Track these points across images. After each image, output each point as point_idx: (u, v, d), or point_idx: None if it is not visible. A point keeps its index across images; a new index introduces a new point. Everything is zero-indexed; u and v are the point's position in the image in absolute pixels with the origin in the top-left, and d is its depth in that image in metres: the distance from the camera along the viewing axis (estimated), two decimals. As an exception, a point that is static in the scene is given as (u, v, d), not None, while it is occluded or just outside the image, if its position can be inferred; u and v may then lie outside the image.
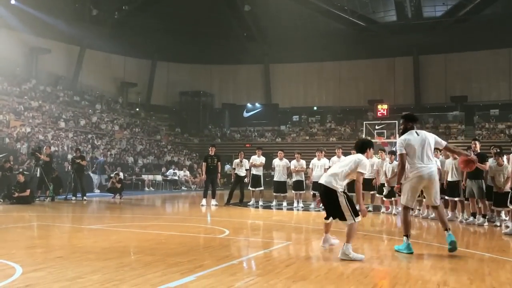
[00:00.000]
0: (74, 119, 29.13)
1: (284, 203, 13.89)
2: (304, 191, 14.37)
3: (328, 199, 6.32)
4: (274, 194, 14.29)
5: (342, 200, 6.17)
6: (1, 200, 14.11)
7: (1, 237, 7.78)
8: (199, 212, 13.10)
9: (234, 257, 6.24)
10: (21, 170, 16.00)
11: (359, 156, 6.48)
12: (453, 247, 6.35)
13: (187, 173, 27.90)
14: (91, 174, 21.58)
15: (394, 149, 18.66)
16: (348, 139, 32.39)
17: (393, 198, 12.46)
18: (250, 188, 14.61)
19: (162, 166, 28.33)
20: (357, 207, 6.32)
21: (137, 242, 7.36)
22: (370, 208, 13.00)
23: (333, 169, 6.65)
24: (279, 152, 14.52)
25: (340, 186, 6.26)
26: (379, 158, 13.27)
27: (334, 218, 6.44)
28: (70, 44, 34.19)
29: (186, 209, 15.18)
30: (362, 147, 6.62)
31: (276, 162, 14.19)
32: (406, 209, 6.76)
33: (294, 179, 14.25)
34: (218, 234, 8.28)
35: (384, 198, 12.57)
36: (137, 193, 21.89)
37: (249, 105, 39.84)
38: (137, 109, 38.33)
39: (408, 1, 32.27)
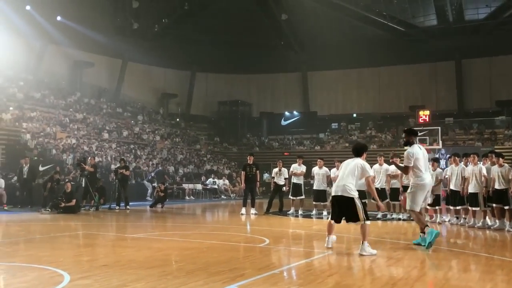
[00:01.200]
0: (117, 130, 29.93)
1: (325, 212, 13.74)
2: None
3: (346, 206, 7.11)
4: (314, 203, 14.16)
5: (359, 205, 7.06)
6: (49, 210, 14.62)
7: (49, 245, 8.05)
8: (238, 221, 13.14)
9: (275, 267, 6.21)
10: (67, 180, 16.54)
11: (359, 161, 7.37)
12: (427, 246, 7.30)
13: (226, 182, 28.10)
14: (146, 183, 22.18)
15: (437, 156, 18.20)
16: (389, 146, 31.78)
17: (437, 207, 12.14)
18: (291, 197, 14.54)
19: (202, 175, 28.64)
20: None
21: (179, 250, 7.45)
22: (395, 216, 12.79)
23: (343, 179, 7.25)
24: (318, 160, 14.40)
25: (355, 192, 7.13)
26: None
27: (348, 221, 7.32)
28: (113, 57, 35.25)
29: (226, 218, 15.27)
30: (360, 151, 7.56)
31: (315, 170, 14.07)
32: (414, 211, 7.83)
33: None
34: (258, 243, 8.27)
35: (428, 207, 12.24)
36: (178, 202, 22.21)
37: (287, 113, 39.79)
38: (177, 119, 38.99)
39: (449, 4, 31.50)
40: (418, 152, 7.70)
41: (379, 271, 5.82)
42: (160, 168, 25.57)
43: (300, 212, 14.28)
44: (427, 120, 31.90)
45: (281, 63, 37.91)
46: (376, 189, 12.61)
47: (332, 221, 7.50)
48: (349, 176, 7.20)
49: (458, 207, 11.62)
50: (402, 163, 8.42)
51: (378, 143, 34.41)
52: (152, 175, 23.14)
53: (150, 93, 38.65)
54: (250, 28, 35.04)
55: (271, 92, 41.04)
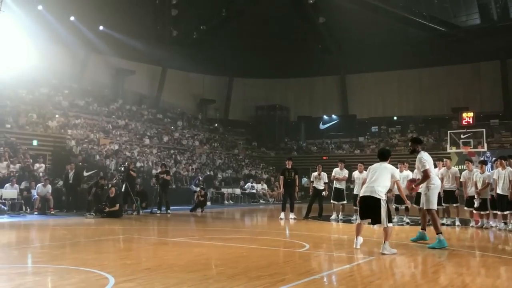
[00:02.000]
0: (157, 136, 30.53)
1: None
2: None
3: (373, 207, 7.54)
4: (355, 208, 13.94)
5: (384, 208, 7.54)
6: (93, 214, 15.05)
7: (94, 249, 8.29)
8: (278, 226, 13.12)
9: (315, 272, 6.17)
10: (110, 185, 16.99)
11: (388, 165, 7.93)
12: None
13: (265, 186, 28.12)
14: (194, 187, 22.61)
15: (483, 158, 17.59)
16: (431, 150, 30.94)
17: (484, 212, 11.74)
18: (332, 201, 14.41)
19: (240, 179, 28.79)
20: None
21: (219, 255, 7.50)
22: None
23: (373, 181, 7.71)
24: (359, 164, 14.19)
25: (384, 195, 7.63)
26: (465, 169, 12.54)
27: (371, 223, 7.75)
28: (153, 64, 36.07)
29: (265, 223, 15.27)
30: (387, 156, 8.17)
31: (356, 174, 13.87)
32: (432, 212, 8.46)
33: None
34: (298, 248, 8.23)
35: (474, 211, 11.86)
36: (217, 207, 22.40)
37: (325, 117, 39.49)
38: (216, 125, 39.40)
39: (493, 2, 30.47)
40: (428, 156, 8.57)
41: (422, 278, 5.67)
42: (208, 172, 26.13)
43: (340, 217, 14.11)
44: (471, 122, 30.95)
45: (319, 67, 37.71)
46: (418, 193, 12.40)
47: (361, 222, 7.99)
48: (378, 179, 7.70)
49: (506, 212, 11.21)
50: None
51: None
52: (201, 179, 23.55)
53: (189, 99, 39.27)
54: (287, 32, 35.03)
55: (309, 96, 40.87)
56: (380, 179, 7.71)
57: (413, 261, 7.08)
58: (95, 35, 30.50)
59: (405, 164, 13.19)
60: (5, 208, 15.39)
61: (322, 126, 39.39)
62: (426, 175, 8.36)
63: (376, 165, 8.06)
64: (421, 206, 8.95)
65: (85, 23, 29.37)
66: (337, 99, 40.08)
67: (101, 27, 30.50)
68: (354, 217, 13.98)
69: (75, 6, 27.36)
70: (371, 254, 7.65)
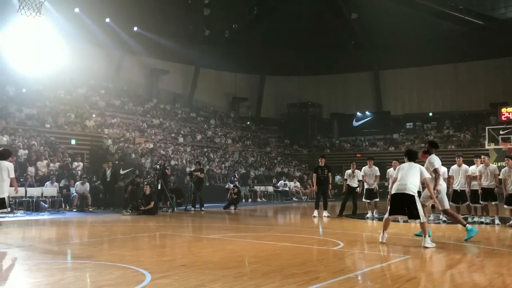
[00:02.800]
0: (191, 134, 30.90)
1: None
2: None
3: (408, 203, 7.88)
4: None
5: (419, 204, 7.94)
6: (130, 211, 15.39)
7: (131, 245, 8.48)
8: (311, 224, 13.07)
9: (350, 270, 6.13)
10: (145, 183, 17.33)
11: (416, 164, 8.30)
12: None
13: (298, 184, 28.05)
14: (229, 185, 22.86)
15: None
16: (468, 146, 30.24)
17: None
18: (364, 200, 14.25)
19: (273, 177, 28.82)
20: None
21: (252, 252, 7.55)
22: (477, 219, 12.09)
23: (405, 178, 8.03)
24: (394, 162, 13.93)
25: (416, 192, 8.00)
26: (505, 166, 12.16)
27: (410, 218, 8.13)
28: (186, 64, 36.53)
29: (298, 220, 15.24)
30: (415, 156, 8.62)
31: (391, 172, 13.63)
32: (448, 211, 8.92)
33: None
34: (332, 246, 8.19)
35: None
36: (250, 204, 22.49)
37: (358, 113, 39.04)
38: (248, 123, 39.55)
39: (534, -7, 29.41)
40: (438, 159, 8.90)
41: (461, 278, 5.55)
42: (243, 170, 26.34)
43: (375, 214, 13.95)
44: (511, 117, 29.98)
45: (351, 63, 37.32)
46: (455, 191, 12.18)
47: (389, 218, 8.35)
48: (409, 177, 8.04)
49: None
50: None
51: (457, 142, 32.79)
52: (237, 177, 23.77)
53: (221, 98, 39.57)
54: (319, 29, 34.81)
55: (342, 92, 40.47)
56: (411, 177, 8.04)
57: (451, 260, 6.94)
58: (130, 36, 31.14)
59: (461, 157, 12.87)
60: (46, 205, 15.92)
61: (355, 123, 38.97)
62: (437, 173, 8.67)
63: (405, 164, 8.40)
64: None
65: (120, 24, 30.01)
66: (370, 95, 39.55)
67: (135, 28, 31.10)
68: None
69: (110, 8, 27.98)
70: (407, 252, 7.53)
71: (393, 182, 8.42)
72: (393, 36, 34.26)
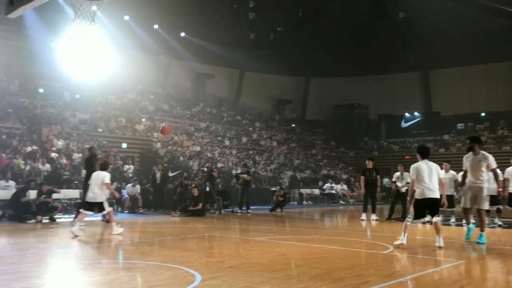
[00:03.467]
0: (237, 137, 31.19)
1: (452, 219, 12.92)
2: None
3: (434, 206, 8.00)
4: (440, 209, 13.35)
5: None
6: (179, 213, 15.71)
7: (181, 246, 8.67)
8: (359, 227, 12.88)
9: (400, 275, 6.00)
10: (193, 185, 17.64)
11: (432, 163, 8.12)
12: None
13: (345, 186, 27.71)
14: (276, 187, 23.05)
15: None
16: (525, 147, 28.87)
17: None
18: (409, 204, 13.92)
19: (319, 180, 28.60)
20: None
21: (300, 255, 7.53)
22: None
23: (431, 181, 7.92)
24: (444, 163, 13.55)
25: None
26: None
27: (431, 216, 8.13)
28: (231, 68, 36.95)
29: (346, 224, 15.06)
30: (429, 152, 8.41)
31: (441, 174, 13.26)
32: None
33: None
34: (381, 250, 8.05)
35: None
36: (296, 207, 22.42)
37: (407, 114, 38.14)
38: (293, 125, 39.47)
39: None
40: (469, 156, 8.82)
41: (520, 285, 5.32)
42: (292, 173, 26.46)
43: (426, 218, 13.55)
44: None
45: (399, 63, 36.52)
46: (511, 194, 11.68)
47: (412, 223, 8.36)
48: (433, 178, 7.98)
49: None
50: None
51: (512, 143, 31.41)
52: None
53: (266, 100, 39.72)
54: (365, 29, 34.29)
55: (389, 93, 39.65)
56: (434, 178, 8.00)
57: (507, 267, 6.66)
58: (177, 42, 31.85)
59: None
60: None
61: (404, 124, 38.10)
62: (496, 173, 8.77)
63: (423, 164, 8.09)
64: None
65: (168, 30, 30.75)
66: (419, 95, 38.55)
67: (182, 34, 31.76)
68: (439, 218, 13.41)
69: (158, 15, 28.71)
70: (460, 257, 7.29)
71: (412, 183, 8.17)
72: (442, 35, 33.21)
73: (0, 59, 24.27)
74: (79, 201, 15.97)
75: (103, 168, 10.54)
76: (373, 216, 14.09)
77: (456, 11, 31.42)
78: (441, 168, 13.25)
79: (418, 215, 8.09)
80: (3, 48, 25.22)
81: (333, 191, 26.54)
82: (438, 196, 7.98)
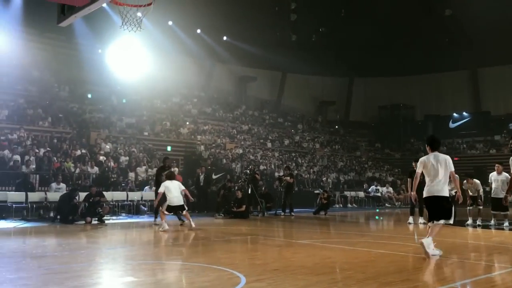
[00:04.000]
0: (279, 139, 31.16)
1: (506, 223, 12.37)
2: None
3: (442, 205, 7.18)
4: (493, 212, 12.85)
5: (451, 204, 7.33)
6: (222, 215, 15.83)
7: (225, 248, 8.72)
8: (406, 230, 12.56)
9: (451, 280, 5.80)
10: (237, 187, 17.73)
11: (443, 155, 7.33)
12: None
13: (390, 189, 27.11)
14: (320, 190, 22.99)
15: None
16: None
17: None
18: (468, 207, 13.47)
19: (364, 182, 28.12)
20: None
21: (346, 258, 7.40)
22: None
23: (442, 177, 7.17)
24: (497, 165, 13.01)
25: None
26: None
27: (440, 219, 7.19)
28: (273, 70, 36.99)
29: (392, 227, 14.72)
30: (439, 143, 7.52)
31: (493, 176, 12.76)
32: None
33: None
34: (430, 254, 7.78)
35: None
36: (340, 210, 22.13)
37: (455, 114, 36.96)
38: (336, 127, 39.04)
39: None
40: None
41: None
42: (335, 175, 26.37)
43: (478, 222, 13.09)
44: None
45: (446, 62, 35.42)
46: None
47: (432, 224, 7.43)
48: (443, 174, 7.20)
49: None
50: None
51: None
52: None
53: (308, 102, 39.49)
54: (410, 27, 33.47)
55: (436, 93, 38.56)
56: (442, 173, 7.18)
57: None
58: (219, 45, 32.24)
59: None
60: (145, 209, 16.87)
61: (452, 125, 36.94)
62: None
63: (431, 158, 7.33)
64: None
65: (210, 34, 31.18)
66: (468, 95, 37.28)
67: (224, 37, 32.11)
68: (492, 222, 12.91)
69: (201, 19, 29.15)
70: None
71: (416, 179, 7.59)
72: (492, 32, 31.96)
73: (51, 66, 25.34)
74: (126, 202, 16.46)
75: (171, 178, 11.86)
76: (421, 220, 13.69)
77: (506, 7, 30.15)
78: (494, 170, 12.88)
79: (431, 216, 7.42)
80: (54, 56, 26.34)
81: (379, 194, 26.02)
82: (445, 194, 7.16)
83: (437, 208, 7.24)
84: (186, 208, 12.04)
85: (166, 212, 11.61)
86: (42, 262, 6.89)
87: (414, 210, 13.99)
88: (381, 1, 32.56)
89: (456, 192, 13.32)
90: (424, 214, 13.96)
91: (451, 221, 7.31)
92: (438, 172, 7.18)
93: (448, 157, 7.37)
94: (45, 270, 6.21)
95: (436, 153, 7.36)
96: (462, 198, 8.03)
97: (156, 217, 12.85)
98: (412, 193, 8.70)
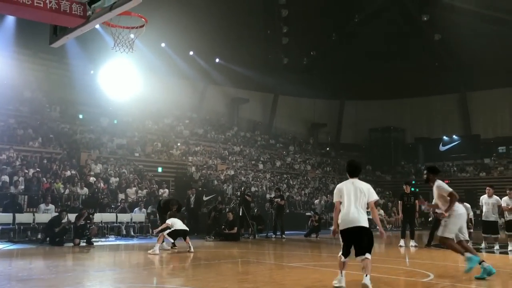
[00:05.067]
0: (270, 161, 31.14)
1: (496, 246, 12.37)
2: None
3: (361, 236, 6.35)
4: (484, 235, 12.87)
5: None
6: (213, 237, 15.68)
7: (215, 271, 8.61)
8: (397, 253, 12.51)
9: (443, 305, 5.74)
10: (228, 209, 17.62)
11: (363, 183, 6.66)
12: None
13: (381, 212, 27.03)
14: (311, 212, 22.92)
15: None
16: None
17: None
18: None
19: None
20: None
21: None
22: None
23: (357, 205, 6.41)
24: (488, 188, 13.08)
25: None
26: None
27: (359, 254, 6.27)
28: (265, 92, 37.22)
29: (383, 250, 14.64)
30: (360, 169, 6.90)
31: (484, 199, 12.82)
32: (444, 239, 8.06)
33: (507, 218, 12.61)
34: (421, 278, 7.77)
35: None
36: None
37: (445, 138, 37.23)
38: (328, 149, 39.14)
39: None
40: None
41: None
42: (326, 198, 26.28)
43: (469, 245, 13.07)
44: None
45: (436, 85, 35.87)
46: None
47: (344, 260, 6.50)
48: (361, 201, 6.49)
49: None
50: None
51: (558, 167, 30.09)
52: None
53: (300, 124, 39.65)
54: (400, 51, 34.01)
55: (426, 116, 38.91)
56: (360, 202, 6.41)
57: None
58: (212, 67, 32.46)
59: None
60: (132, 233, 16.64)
61: (442, 148, 37.16)
62: (453, 196, 7.96)
63: (349, 184, 6.64)
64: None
65: (203, 56, 31.42)
66: (457, 118, 37.65)
67: (217, 60, 32.35)
68: (483, 245, 12.92)
69: (194, 41, 29.35)
70: (505, 287, 6.93)
71: (336, 206, 6.56)
72: (480, 56, 32.53)
73: (43, 86, 25.29)
74: (115, 224, 16.26)
75: (175, 217, 12.16)
76: (412, 243, 13.67)
77: (494, 33, 30.79)
78: (484, 193, 12.94)
79: (344, 250, 6.43)
80: (46, 76, 26.32)
81: (370, 216, 25.91)
82: (364, 225, 6.34)
83: (354, 241, 6.39)
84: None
85: (167, 236, 11.63)
86: (28, 285, 6.75)
87: (406, 233, 13.96)
88: (371, 25, 33.13)
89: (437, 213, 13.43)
90: (415, 237, 13.98)
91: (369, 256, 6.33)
92: (358, 201, 6.48)
93: (368, 185, 6.75)
94: (30, 294, 6.07)
95: (356, 179, 6.73)
96: (383, 233, 7.09)
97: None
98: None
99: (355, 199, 6.43)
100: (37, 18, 6.88)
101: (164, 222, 12.06)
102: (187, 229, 12.09)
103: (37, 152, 19.30)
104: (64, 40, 7.39)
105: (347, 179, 6.80)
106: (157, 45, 28.00)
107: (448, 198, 8.01)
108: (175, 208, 12.88)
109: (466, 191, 27.11)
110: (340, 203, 6.52)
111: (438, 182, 8.35)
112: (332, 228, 6.88)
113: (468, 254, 7.68)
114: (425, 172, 8.82)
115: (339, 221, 6.45)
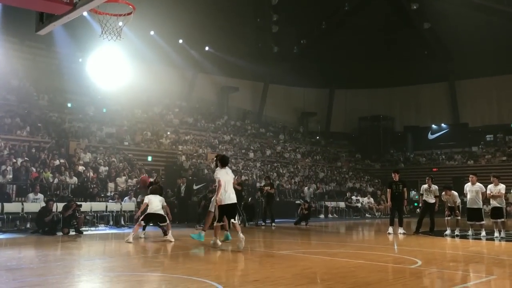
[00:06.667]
0: (261, 150, 31.18)
1: (483, 233, 12.56)
2: (504, 219, 12.71)
3: (233, 210, 9.84)
4: (469, 222, 13.05)
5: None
6: (203, 226, 15.67)
7: (204, 259, 8.66)
8: (386, 241, 12.65)
9: (429, 290, 5.84)
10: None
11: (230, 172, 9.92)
12: None
13: (371, 200, 27.31)
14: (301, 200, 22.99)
15: None
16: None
17: None
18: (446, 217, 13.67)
19: (344, 192, 28.28)
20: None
21: (326, 269, 7.42)
22: None
23: (230, 187, 9.59)
24: (471, 176, 13.25)
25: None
26: None
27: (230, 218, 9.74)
28: (255, 81, 37.14)
29: (372, 237, 14.81)
30: (228, 160, 10.16)
31: (468, 187, 12.99)
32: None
33: (492, 205, 12.79)
34: (408, 264, 7.87)
35: None
36: (321, 220, 22.19)
37: (434, 126, 37.54)
38: (317, 137, 39.27)
39: None
40: (222, 172, 9.62)
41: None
42: (318, 186, 26.46)
43: (456, 232, 13.27)
44: None
45: (425, 74, 36.07)
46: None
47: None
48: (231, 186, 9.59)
49: None
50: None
51: (545, 155, 30.51)
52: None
53: (290, 113, 39.69)
54: (390, 40, 34.07)
55: (415, 104, 39.18)
56: (231, 186, 9.53)
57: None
58: (202, 56, 32.27)
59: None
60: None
61: (430, 136, 37.49)
62: (219, 184, 9.41)
63: (223, 172, 9.55)
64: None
65: (192, 45, 31.22)
66: (446, 107, 37.93)
67: (206, 48, 32.16)
68: (469, 232, 13.11)
69: (183, 29, 29.14)
70: (491, 272, 7.06)
71: (219, 189, 9.25)
72: (469, 45, 32.72)
73: (30, 74, 24.99)
74: (105, 213, 16.22)
75: (155, 192, 12.31)
76: (400, 230, 13.82)
77: (483, 21, 30.92)
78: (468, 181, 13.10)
79: (220, 219, 9.69)
80: (33, 64, 26.01)
81: (359, 204, 26.18)
82: (235, 201, 9.47)
83: (228, 213, 9.54)
84: (167, 222, 11.78)
85: (142, 223, 11.62)
86: (17, 274, 6.74)
87: (394, 220, 14.11)
88: (361, 14, 33.09)
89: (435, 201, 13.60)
90: (403, 225, 14.14)
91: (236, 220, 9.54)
92: (229, 184, 9.42)
93: (232, 174, 9.93)
94: (19, 283, 6.07)
95: (227, 168, 9.70)
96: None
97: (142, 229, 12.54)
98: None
99: (228, 184, 9.50)
100: (23, 5, 6.79)
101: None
102: (161, 213, 11.70)
103: (25, 141, 19.14)
104: (50, 28, 7.28)
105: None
106: (146, 33, 27.74)
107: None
108: (154, 181, 13.26)
109: (454, 179, 27.44)
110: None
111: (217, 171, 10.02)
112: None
113: None
114: None
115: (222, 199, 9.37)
